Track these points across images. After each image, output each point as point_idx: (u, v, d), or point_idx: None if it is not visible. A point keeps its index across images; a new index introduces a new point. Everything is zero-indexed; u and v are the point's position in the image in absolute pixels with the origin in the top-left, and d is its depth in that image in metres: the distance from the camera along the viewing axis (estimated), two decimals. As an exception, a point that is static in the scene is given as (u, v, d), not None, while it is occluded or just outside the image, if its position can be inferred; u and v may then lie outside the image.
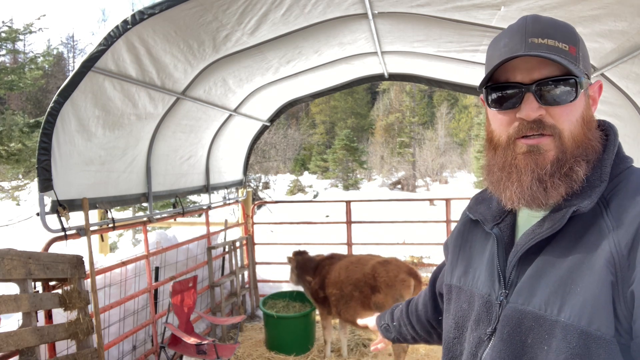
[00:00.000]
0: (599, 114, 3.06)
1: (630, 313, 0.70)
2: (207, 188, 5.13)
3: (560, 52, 0.81)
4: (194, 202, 10.20)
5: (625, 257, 0.72)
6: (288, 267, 4.80)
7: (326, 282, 4.22)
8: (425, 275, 6.28)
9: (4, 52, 8.37)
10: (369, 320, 1.59)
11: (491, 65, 0.86)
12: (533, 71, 0.83)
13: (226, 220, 5.53)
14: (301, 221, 6.37)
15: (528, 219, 0.92)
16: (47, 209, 2.71)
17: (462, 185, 28.32)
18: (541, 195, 0.82)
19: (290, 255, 4.64)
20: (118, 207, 5.75)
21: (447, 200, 5.54)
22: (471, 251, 1.02)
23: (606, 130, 0.90)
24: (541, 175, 0.82)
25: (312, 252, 4.75)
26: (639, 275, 0.70)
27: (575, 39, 0.84)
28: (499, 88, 0.86)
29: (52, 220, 2.73)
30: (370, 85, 45.71)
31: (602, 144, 0.87)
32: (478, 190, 1.14)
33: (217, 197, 5.92)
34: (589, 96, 0.88)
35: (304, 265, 4.51)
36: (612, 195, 0.80)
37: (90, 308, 2.97)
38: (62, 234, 2.81)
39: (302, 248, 4.74)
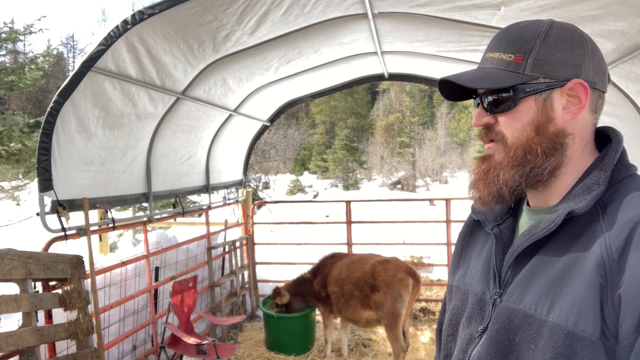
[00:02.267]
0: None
1: (618, 316, 0.71)
2: (207, 188, 5.12)
3: (500, 64, 0.87)
4: (194, 202, 10.19)
5: (616, 260, 0.73)
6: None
7: (328, 280, 4.23)
8: (425, 275, 6.29)
9: (4, 52, 8.38)
10: None
11: None
12: None
13: (226, 220, 5.53)
14: (301, 221, 6.37)
15: (527, 221, 0.94)
16: (47, 209, 2.71)
17: (462, 185, 28.30)
18: (477, 196, 0.91)
19: (277, 292, 4.46)
20: (118, 207, 5.75)
21: (447, 200, 5.53)
22: (472, 252, 1.04)
23: (610, 136, 0.91)
24: (476, 179, 0.92)
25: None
26: (627, 279, 0.70)
27: (528, 46, 0.85)
28: (476, 98, 0.96)
29: (52, 220, 2.73)
30: (370, 85, 45.70)
31: (570, 147, 0.86)
32: None
33: (217, 197, 5.92)
34: (568, 96, 0.85)
35: (298, 287, 4.51)
36: (610, 200, 0.81)
37: (90, 308, 2.97)
38: (62, 234, 2.81)
39: (277, 285, 4.63)
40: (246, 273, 5.78)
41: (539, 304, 0.78)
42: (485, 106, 0.90)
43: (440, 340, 1.17)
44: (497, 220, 0.98)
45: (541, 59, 0.85)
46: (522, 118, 0.87)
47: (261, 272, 6.09)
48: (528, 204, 0.95)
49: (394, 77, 5.36)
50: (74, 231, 2.92)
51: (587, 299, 0.73)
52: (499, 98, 0.87)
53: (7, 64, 10.60)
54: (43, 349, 2.75)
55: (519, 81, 0.85)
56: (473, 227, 1.08)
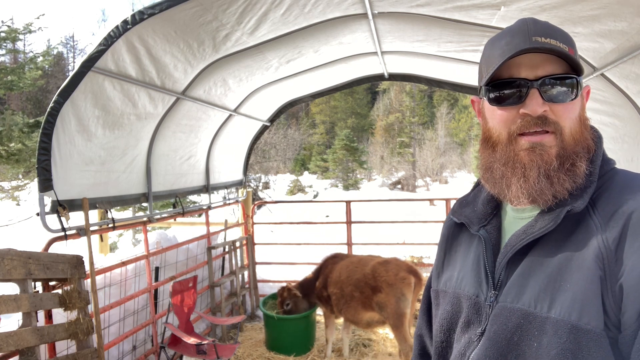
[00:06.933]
0: (600, 114, 3.06)
1: (619, 307, 0.72)
2: (207, 188, 5.12)
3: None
4: (194, 202, 10.18)
5: (613, 252, 0.74)
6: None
7: (328, 281, 4.24)
8: (425, 275, 6.28)
9: (3, 52, 8.37)
10: None
11: (494, 62, 0.87)
12: (537, 68, 0.84)
13: (226, 220, 5.53)
14: (301, 221, 6.37)
15: (514, 221, 0.93)
16: (47, 209, 2.71)
17: (462, 185, 28.31)
18: (548, 191, 0.83)
19: (286, 288, 4.50)
20: (118, 207, 5.75)
21: (447, 200, 5.54)
22: (456, 255, 1.02)
23: (595, 133, 0.92)
24: (548, 170, 0.83)
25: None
26: (627, 269, 0.72)
27: (572, 42, 0.87)
28: (503, 84, 0.86)
29: (52, 220, 2.73)
30: (370, 85, 45.67)
31: (595, 144, 0.90)
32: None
33: (217, 197, 5.91)
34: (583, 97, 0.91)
35: (304, 287, 4.51)
36: (598, 195, 0.82)
37: (90, 308, 2.97)
38: (62, 234, 2.81)
39: (283, 284, 4.68)
40: (246, 273, 5.78)
41: (538, 301, 0.78)
42: (547, 93, 0.84)
43: (418, 344, 1.15)
44: (481, 222, 0.97)
45: (578, 58, 0.87)
46: (576, 110, 0.86)
47: (261, 272, 6.09)
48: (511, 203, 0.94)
49: (394, 77, 5.36)
50: (74, 231, 2.92)
51: (589, 292, 0.73)
52: (568, 85, 0.84)
53: (7, 64, 10.59)
54: (43, 349, 2.74)
55: (580, 73, 0.85)
56: (454, 230, 1.06)
